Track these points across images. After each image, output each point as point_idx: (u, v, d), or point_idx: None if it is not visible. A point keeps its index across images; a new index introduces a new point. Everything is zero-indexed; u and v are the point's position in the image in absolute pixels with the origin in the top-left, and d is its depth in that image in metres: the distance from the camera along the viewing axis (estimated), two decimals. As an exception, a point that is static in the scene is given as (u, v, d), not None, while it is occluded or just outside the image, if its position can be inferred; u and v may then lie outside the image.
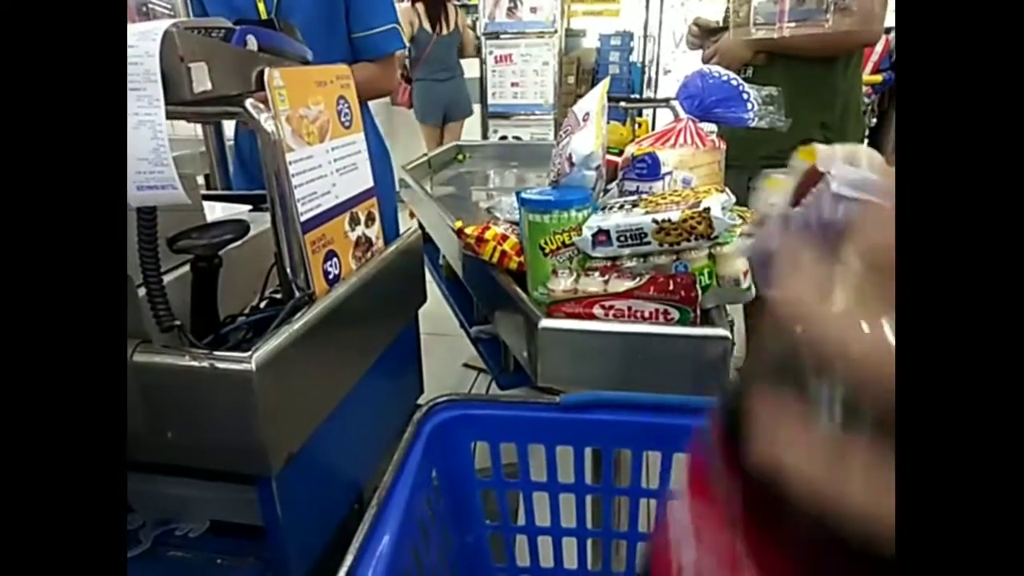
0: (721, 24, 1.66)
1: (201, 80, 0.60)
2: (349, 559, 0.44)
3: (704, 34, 1.64)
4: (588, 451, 0.63)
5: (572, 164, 0.91)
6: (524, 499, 0.65)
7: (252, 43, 0.71)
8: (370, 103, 1.43)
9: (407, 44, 3.64)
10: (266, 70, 0.68)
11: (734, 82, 0.86)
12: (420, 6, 3.78)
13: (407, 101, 3.99)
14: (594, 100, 0.95)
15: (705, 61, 1.52)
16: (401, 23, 3.98)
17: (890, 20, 1.56)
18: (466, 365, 2.31)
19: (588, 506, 0.66)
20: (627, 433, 0.60)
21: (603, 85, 0.97)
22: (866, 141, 2.00)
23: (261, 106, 0.68)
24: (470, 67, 4.18)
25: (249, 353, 0.59)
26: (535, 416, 0.61)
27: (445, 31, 3.90)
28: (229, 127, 1.71)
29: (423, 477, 0.56)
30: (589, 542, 0.68)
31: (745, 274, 0.78)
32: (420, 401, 1.13)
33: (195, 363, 0.60)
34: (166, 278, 0.74)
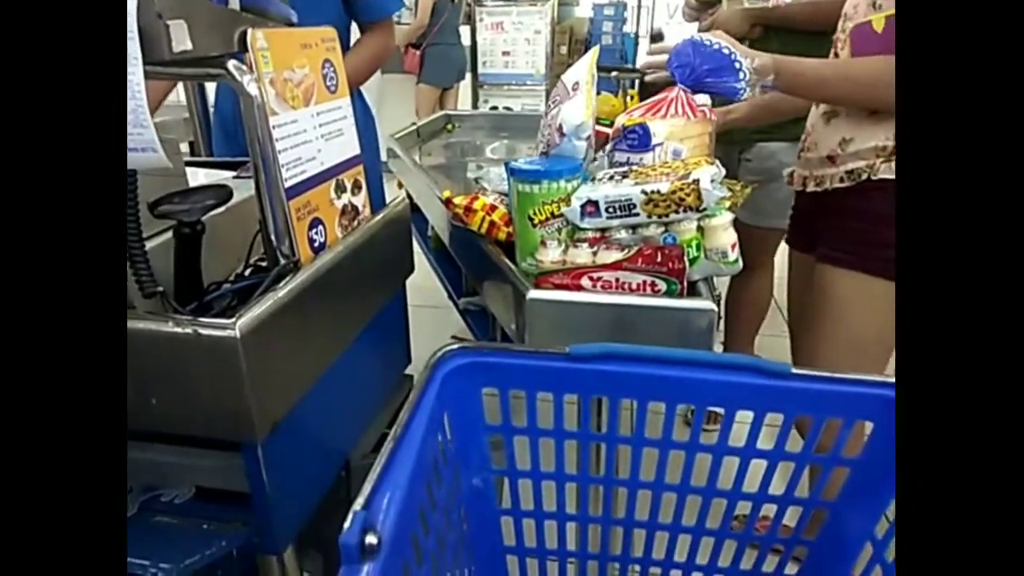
0: None
1: (180, 39, 0.58)
2: (368, 487, 0.44)
3: (701, 6, 1.63)
4: (594, 400, 0.65)
5: (563, 134, 0.90)
6: (530, 446, 0.67)
7: (234, 2, 0.68)
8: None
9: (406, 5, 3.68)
10: (249, 31, 0.66)
11: (726, 51, 0.85)
12: None
13: (415, 66, 4.04)
14: (583, 69, 0.93)
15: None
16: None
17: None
18: (454, 337, 2.32)
19: (591, 454, 0.69)
20: (633, 384, 0.61)
21: (592, 54, 0.95)
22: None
23: (244, 68, 0.66)
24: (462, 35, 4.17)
25: (233, 320, 0.59)
26: (544, 365, 0.62)
27: (457, 0, 4.11)
28: (213, 92, 1.67)
29: (435, 419, 0.58)
30: (591, 488, 0.70)
31: (733, 246, 0.78)
32: (408, 371, 1.13)
33: (179, 330, 0.59)
34: (149, 244, 0.73)
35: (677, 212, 0.76)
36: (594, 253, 0.78)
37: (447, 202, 0.99)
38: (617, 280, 0.75)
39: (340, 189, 0.81)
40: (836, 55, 1.01)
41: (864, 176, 0.92)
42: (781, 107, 1.22)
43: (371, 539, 0.41)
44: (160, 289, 0.67)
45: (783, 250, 1.73)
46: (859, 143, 0.93)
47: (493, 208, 0.95)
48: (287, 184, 0.70)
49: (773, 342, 2.22)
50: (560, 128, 0.89)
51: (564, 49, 4.76)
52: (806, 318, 1.09)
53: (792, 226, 1.21)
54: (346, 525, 0.41)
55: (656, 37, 4.22)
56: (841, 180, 0.96)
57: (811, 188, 1.03)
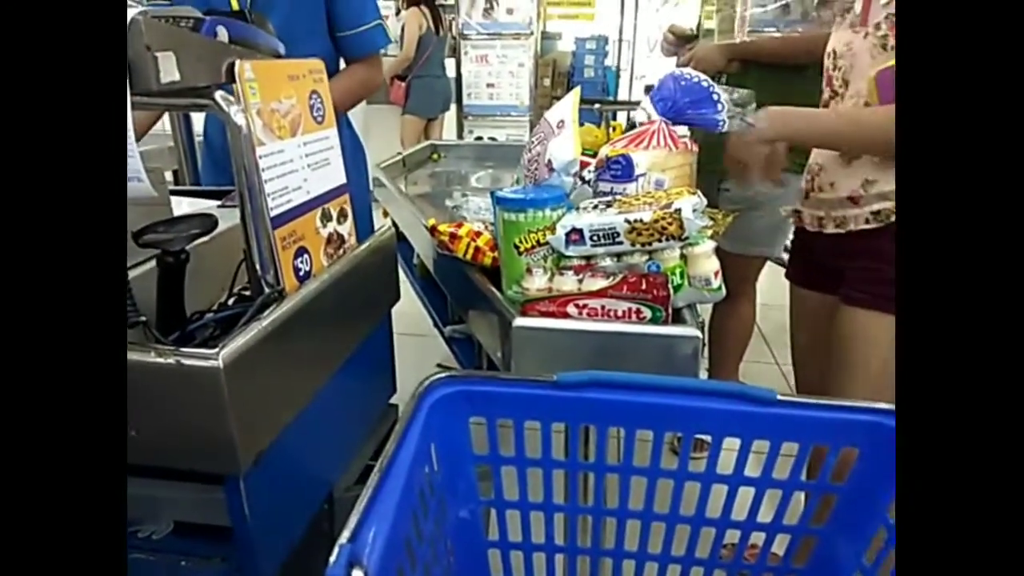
0: (694, 32, 1.69)
1: (169, 70, 0.58)
2: (354, 520, 0.44)
3: (679, 41, 1.67)
4: (581, 428, 0.65)
5: (552, 170, 0.92)
6: (518, 475, 0.66)
7: (222, 34, 0.69)
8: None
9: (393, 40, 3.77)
10: (237, 62, 0.67)
11: (705, 84, 0.87)
12: (427, 9, 4.05)
13: (401, 98, 4.10)
14: (568, 108, 0.96)
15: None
16: (410, 24, 3.97)
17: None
18: (440, 366, 2.31)
19: (580, 483, 0.68)
20: (621, 412, 0.61)
21: (575, 93, 0.98)
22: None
23: (231, 99, 0.67)
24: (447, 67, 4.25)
25: (216, 350, 0.58)
26: (532, 393, 0.62)
27: (442, 33, 4.20)
28: (199, 122, 1.68)
29: (422, 449, 0.57)
30: (579, 519, 0.69)
31: (716, 274, 0.80)
32: (393, 401, 1.12)
33: (161, 360, 0.58)
34: (132, 273, 0.72)
35: (660, 240, 0.77)
36: (580, 281, 0.79)
37: (432, 230, 0.99)
38: (603, 307, 0.76)
39: (326, 218, 0.81)
40: (833, 92, 1.00)
41: (891, 217, 0.91)
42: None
43: (357, 573, 0.40)
44: (142, 319, 0.66)
45: (765, 277, 1.76)
46: (884, 184, 0.92)
47: (478, 234, 0.96)
48: (273, 213, 0.70)
49: (757, 368, 2.24)
50: (549, 164, 0.91)
51: (547, 81, 4.86)
52: (819, 357, 1.06)
53: (801, 264, 1.17)
54: (332, 559, 0.40)
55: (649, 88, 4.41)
56: (867, 221, 0.94)
57: (831, 230, 1.00)
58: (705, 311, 1.78)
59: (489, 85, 4.31)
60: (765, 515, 0.66)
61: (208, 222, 0.74)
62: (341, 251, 0.85)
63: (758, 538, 0.68)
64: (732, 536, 0.68)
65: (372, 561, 0.42)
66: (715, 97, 0.86)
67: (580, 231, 0.80)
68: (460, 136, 4.34)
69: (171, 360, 0.58)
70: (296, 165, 0.74)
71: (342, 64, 1.39)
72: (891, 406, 0.58)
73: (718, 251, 0.81)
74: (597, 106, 3.10)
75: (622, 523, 0.68)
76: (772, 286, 1.72)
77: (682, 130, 0.93)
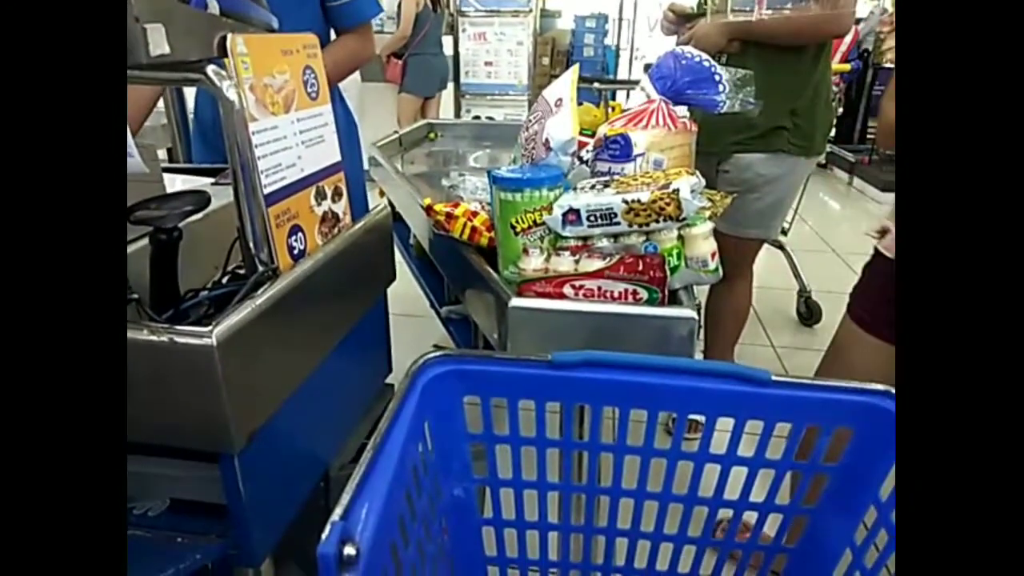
0: (695, 10, 1.66)
1: (158, 43, 0.57)
2: (346, 497, 0.44)
3: (679, 20, 1.65)
4: (576, 408, 0.65)
5: (549, 149, 0.91)
6: (512, 454, 0.66)
7: (213, 6, 0.68)
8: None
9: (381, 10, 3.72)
10: (229, 36, 0.66)
11: (706, 63, 0.86)
12: None
13: (397, 76, 4.04)
14: (566, 86, 0.94)
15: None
16: (408, 1, 3.89)
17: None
18: (436, 346, 2.31)
19: (574, 462, 0.69)
20: (615, 392, 0.62)
21: (573, 71, 0.97)
22: (834, 129, 2.03)
23: (223, 73, 0.65)
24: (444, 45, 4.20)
25: (210, 328, 0.58)
26: (527, 373, 0.62)
27: (439, 10, 4.15)
28: (191, 99, 1.65)
29: (416, 428, 0.57)
30: (573, 497, 0.70)
31: (713, 255, 0.79)
32: (389, 381, 1.12)
33: (154, 338, 0.58)
34: (123, 250, 0.71)
35: (658, 221, 0.77)
36: (576, 261, 0.79)
37: (428, 209, 0.99)
38: (599, 288, 0.76)
39: (320, 196, 0.80)
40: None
41: None
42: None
43: (349, 550, 0.40)
44: (135, 296, 0.65)
45: (761, 259, 1.75)
46: None
47: (475, 214, 0.95)
48: (266, 191, 0.69)
49: (752, 350, 2.25)
50: (547, 143, 0.90)
51: (546, 60, 4.82)
52: None
53: (880, 307, 0.97)
54: (324, 535, 0.40)
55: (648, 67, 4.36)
56: None
57: None
58: (701, 292, 1.78)
59: (487, 63, 4.27)
60: (758, 495, 0.66)
61: (201, 199, 0.73)
62: (336, 230, 0.84)
63: (751, 517, 0.68)
64: (725, 515, 0.68)
65: (364, 538, 0.42)
66: (716, 77, 0.85)
67: (577, 211, 0.80)
68: (457, 115, 4.31)
69: (164, 338, 0.57)
70: (290, 142, 0.73)
71: (331, 36, 1.37)
72: (885, 387, 0.58)
73: (715, 233, 0.80)
74: (596, 85, 3.08)
75: (615, 502, 0.68)
76: (768, 268, 1.72)
77: (682, 110, 0.92)
